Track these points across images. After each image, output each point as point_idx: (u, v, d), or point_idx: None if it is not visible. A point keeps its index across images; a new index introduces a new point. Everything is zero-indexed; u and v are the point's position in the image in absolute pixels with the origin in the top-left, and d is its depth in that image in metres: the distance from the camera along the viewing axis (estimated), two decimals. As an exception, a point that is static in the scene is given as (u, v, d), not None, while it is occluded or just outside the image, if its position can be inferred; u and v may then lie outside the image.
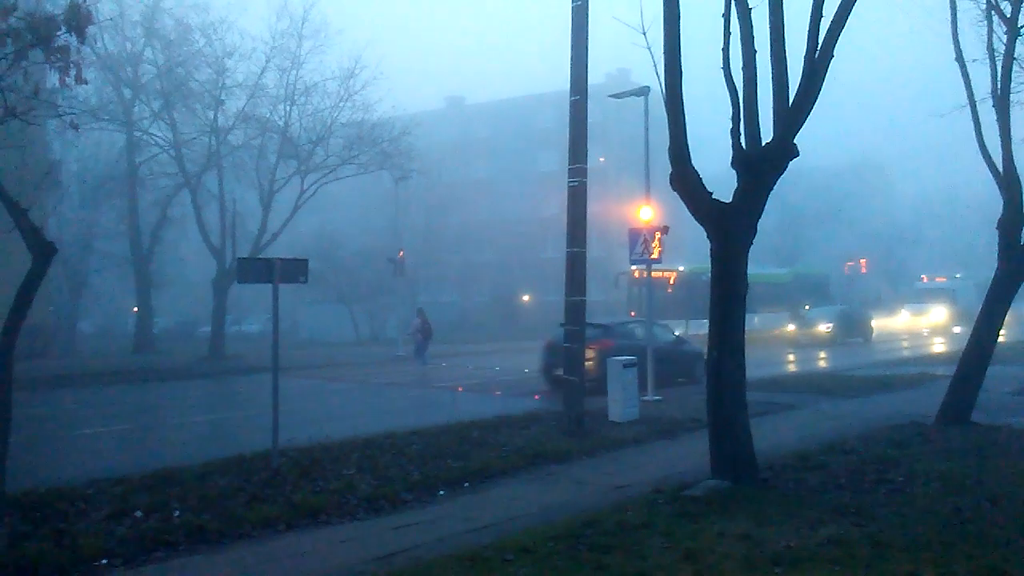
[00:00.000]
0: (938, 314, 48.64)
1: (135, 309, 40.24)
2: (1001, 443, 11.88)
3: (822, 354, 32.85)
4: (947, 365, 21.50)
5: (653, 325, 19.30)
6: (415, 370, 27.01)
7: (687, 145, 9.55)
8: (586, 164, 13.57)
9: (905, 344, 38.59)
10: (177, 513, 8.54)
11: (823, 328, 37.90)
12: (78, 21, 8.02)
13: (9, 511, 8.23)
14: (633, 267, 24.92)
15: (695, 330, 29.65)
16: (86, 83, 9.21)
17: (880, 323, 45.45)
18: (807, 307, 39.96)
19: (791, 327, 37.97)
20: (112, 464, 11.33)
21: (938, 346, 36.05)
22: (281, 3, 45.57)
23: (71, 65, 8.23)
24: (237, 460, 10.92)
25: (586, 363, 15.43)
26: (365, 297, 48.09)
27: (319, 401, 20.05)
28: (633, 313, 33.62)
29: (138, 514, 8.49)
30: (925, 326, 48.12)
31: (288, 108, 33.81)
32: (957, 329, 42.24)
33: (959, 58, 13.90)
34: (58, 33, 8.09)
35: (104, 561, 7.30)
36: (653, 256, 17.52)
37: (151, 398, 22.06)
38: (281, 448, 10.99)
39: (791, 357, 31.40)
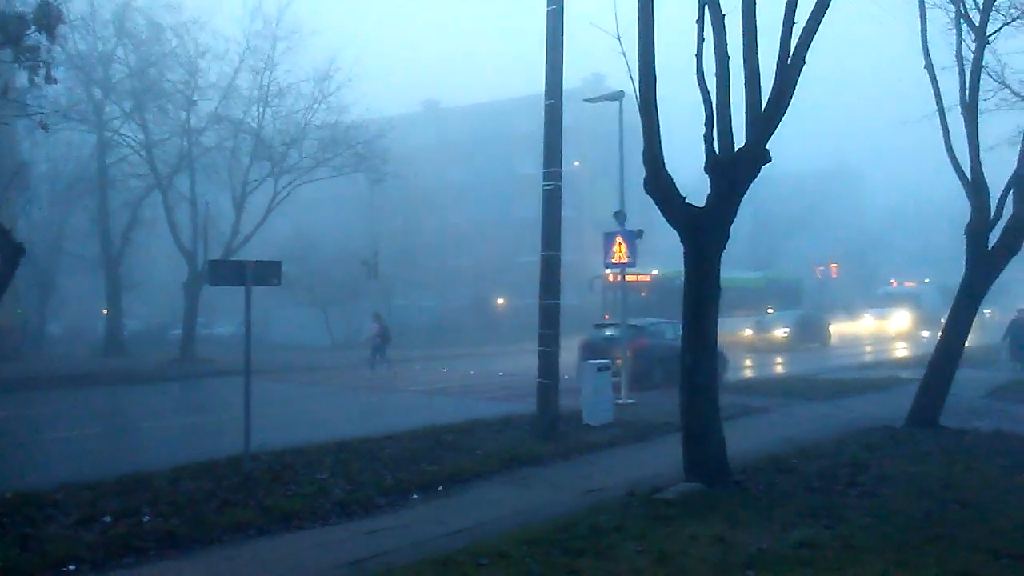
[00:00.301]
0: (902, 319, 48.03)
1: (105, 311, 39.75)
2: (969, 446, 12.06)
3: (779, 359, 32.87)
4: (905, 368, 21.75)
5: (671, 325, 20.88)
6: (382, 373, 26.81)
7: (661, 150, 9.61)
8: (561, 168, 13.60)
9: (868, 349, 38.79)
10: (147, 518, 8.44)
11: (780, 333, 37.57)
12: (48, 20, 7.95)
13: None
14: (607, 271, 25.01)
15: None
16: (56, 83, 9.12)
17: (843, 328, 45.53)
18: (769, 310, 40.05)
19: (748, 331, 37.69)
20: (81, 469, 11.17)
21: (899, 351, 36.00)
22: (255, 4, 45.00)
23: (41, 64, 8.16)
24: (208, 464, 10.81)
25: (619, 362, 18.26)
26: (339, 300, 47.82)
27: (292, 405, 19.89)
28: (607, 316, 33.71)
29: (107, 519, 8.39)
30: (890, 331, 47.70)
31: (261, 109, 33.57)
32: (925, 334, 42.47)
33: (928, 66, 14.08)
34: (28, 32, 8.01)
35: (72, 567, 7.20)
36: (616, 260, 17.69)
37: (121, 402, 21.82)
38: (253, 452, 10.90)
39: (747, 362, 31.20)
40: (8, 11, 8.11)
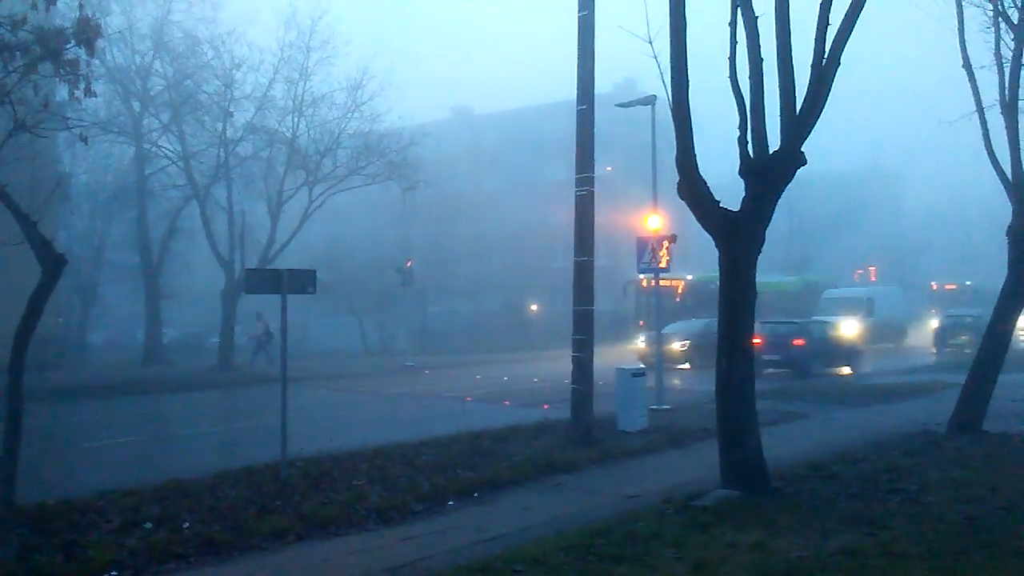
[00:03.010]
0: (849, 327, 36.98)
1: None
2: (1013, 451, 11.82)
3: (676, 380, 24.62)
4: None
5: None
6: (264, 367, 28.78)
7: (694, 154, 9.55)
8: (593, 173, 13.58)
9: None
10: (187, 525, 8.54)
11: (677, 346, 30.47)
12: (87, 34, 8.06)
13: (19, 523, 8.24)
14: (641, 276, 24.87)
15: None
16: (95, 96, 9.24)
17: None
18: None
19: (641, 344, 31.21)
20: (122, 476, 11.33)
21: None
22: (289, 15, 45.40)
23: (80, 78, 8.27)
24: (247, 471, 10.92)
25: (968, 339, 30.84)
26: (374, 307, 48.09)
27: (328, 412, 20.05)
28: (643, 323, 33.46)
29: (148, 526, 8.51)
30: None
31: (296, 119, 33.90)
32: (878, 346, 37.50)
33: (966, 65, 13.88)
34: (67, 46, 8.13)
35: (114, 573, 7.30)
36: (662, 265, 17.62)
37: (161, 409, 22.10)
38: (290, 459, 11.00)
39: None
40: (48, 26, 8.24)
